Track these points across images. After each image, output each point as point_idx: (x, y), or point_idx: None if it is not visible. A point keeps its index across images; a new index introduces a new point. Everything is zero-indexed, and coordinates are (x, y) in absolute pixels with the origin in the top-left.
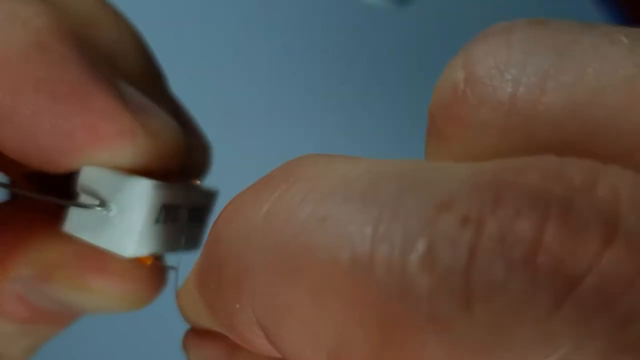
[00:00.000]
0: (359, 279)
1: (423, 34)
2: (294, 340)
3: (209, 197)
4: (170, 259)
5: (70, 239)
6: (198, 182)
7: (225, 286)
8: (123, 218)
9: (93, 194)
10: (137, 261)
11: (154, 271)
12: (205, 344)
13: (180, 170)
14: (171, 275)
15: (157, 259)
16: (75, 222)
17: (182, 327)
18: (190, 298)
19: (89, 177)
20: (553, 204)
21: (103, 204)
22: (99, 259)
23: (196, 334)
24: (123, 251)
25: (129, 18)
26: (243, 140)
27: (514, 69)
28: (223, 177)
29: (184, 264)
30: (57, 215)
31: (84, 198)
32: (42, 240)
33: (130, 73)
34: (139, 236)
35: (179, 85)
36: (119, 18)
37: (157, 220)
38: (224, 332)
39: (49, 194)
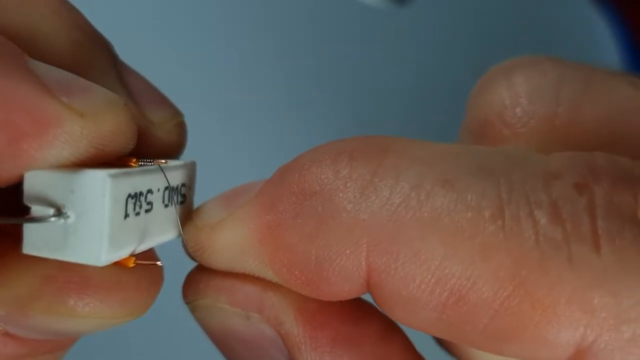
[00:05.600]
0: (493, 231)
1: (422, 34)
2: (414, 282)
3: (186, 171)
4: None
5: (37, 260)
6: (164, 161)
7: (331, 235)
8: (84, 222)
9: (44, 203)
10: (117, 265)
11: (143, 272)
12: (236, 285)
13: (141, 150)
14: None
15: (138, 257)
16: (34, 239)
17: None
18: (236, 238)
19: (33, 183)
20: (638, 184)
21: (58, 211)
22: (75, 276)
23: (223, 275)
24: (95, 260)
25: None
26: (239, 141)
27: (550, 92)
28: (218, 178)
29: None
30: (17, 235)
31: (35, 210)
32: (5, 272)
33: (56, 52)
34: (108, 239)
35: (177, 86)
36: None
37: (126, 216)
38: (270, 275)
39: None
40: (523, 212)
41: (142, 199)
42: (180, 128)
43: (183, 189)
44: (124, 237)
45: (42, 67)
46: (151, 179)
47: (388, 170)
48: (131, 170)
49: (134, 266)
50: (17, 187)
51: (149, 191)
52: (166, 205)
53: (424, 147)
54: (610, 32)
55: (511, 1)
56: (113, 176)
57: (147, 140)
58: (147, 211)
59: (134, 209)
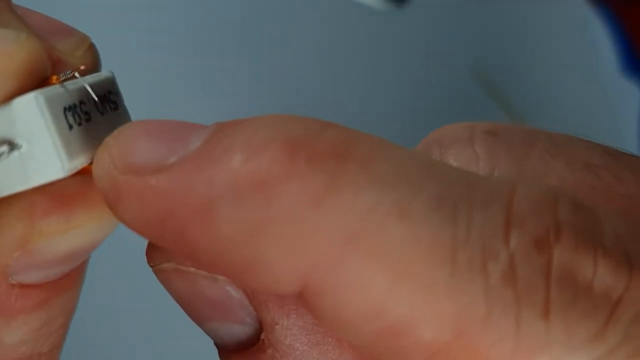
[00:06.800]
0: (442, 276)
1: (420, 35)
2: (351, 309)
3: (108, 81)
4: None
5: (15, 197)
6: (82, 67)
7: (273, 241)
8: (36, 144)
9: None
10: (85, 174)
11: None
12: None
13: (60, 72)
14: None
15: None
16: (1, 182)
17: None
18: (160, 204)
19: None
20: (599, 247)
21: (10, 145)
22: (55, 195)
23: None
24: (59, 172)
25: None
26: None
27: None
28: None
29: None
30: None
31: None
32: None
33: None
34: (63, 148)
35: (177, 88)
36: None
37: (70, 127)
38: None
39: None
40: (476, 262)
41: (78, 110)
42: (91, 51)
43: (111, 96)
44: (77, 145)
45: None
46: (78, 90)
47: (347, 185)
48: (56, 86)
49: None
50: None
51: (82, 102)
52: (102, 113)
53: (388, 156)
54: (607, 33)
55: (509, 3)
56: (42, 93)
57: (63, 70)
58: (87, 120)
59: (75, 120)
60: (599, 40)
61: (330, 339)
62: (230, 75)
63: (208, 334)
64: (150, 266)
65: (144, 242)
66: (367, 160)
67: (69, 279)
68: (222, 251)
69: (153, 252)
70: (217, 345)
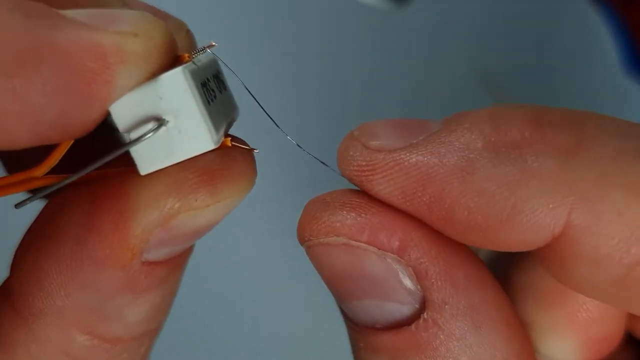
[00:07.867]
0: None
1: (421, 34)
2: (614, 240)
3: (216, 63)
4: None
5: (158, 175)
6: (214, 43)
7: (535, 188)
8: (183, 118)
9: (139, 123)
10: (220, 148)
11: (236, 148)
12: (378, 225)
13: (180, 51)
14: None
15: (228, 136)
16: (146, 158)
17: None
18: (420, 170)
19: (122, 112)
20: None
21: (158, 121)
22: (199, 171)
23: (362, 214)
24: (209, 144)
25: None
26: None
27: None
28: None
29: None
30: (122, 172)
31: (135, 133)
32: (138, 200)
33: None
34: (210, 121)
35: None
36: None
37: (208, 102)
38: (435, 215)
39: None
40: None
41: (208, 86)
42: (189, 34)
43: (220, 76)
44: (217, 119)
45: (70, 13)
46: (205, 69)
47: (593, 137)
48: (190, 63)
49: (231, 146)
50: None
51: (207, 80)
52: (220, 92)
53: (613, 121)
54: (609, 31)
55: (510, 1)
56: (187, 67)
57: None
58: (214, 97)
59: (208, 96)
60: (602, 40)
61: (488, 321)
62: (230, 73)
63: (354, 312)
64: (309, 239)
65: None
66: (600, 121)
67: (184, 257)
68: (482, 205)
69: (317, 227)
70: (358, 324)
